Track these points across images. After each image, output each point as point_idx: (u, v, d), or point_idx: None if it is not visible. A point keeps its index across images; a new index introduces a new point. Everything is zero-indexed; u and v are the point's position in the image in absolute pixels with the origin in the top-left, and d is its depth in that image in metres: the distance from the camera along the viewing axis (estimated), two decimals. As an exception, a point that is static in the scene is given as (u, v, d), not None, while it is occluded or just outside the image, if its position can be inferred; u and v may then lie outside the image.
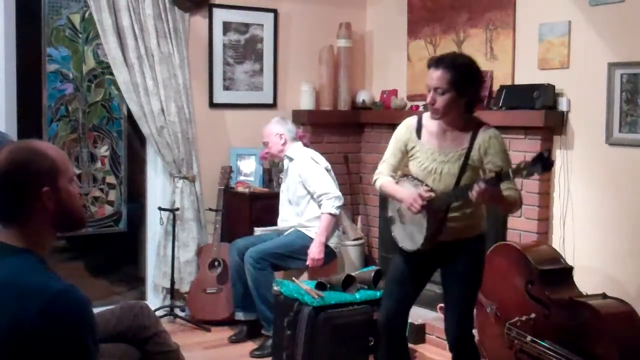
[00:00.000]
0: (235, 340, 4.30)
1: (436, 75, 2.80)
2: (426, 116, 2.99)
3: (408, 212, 2.91)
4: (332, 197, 4.17)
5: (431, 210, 2.82)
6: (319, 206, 4.21)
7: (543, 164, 2.46)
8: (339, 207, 4.20)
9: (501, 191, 2.68)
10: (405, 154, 3.02)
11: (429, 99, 2.83)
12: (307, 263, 4.15)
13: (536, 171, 2.50)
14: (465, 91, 2.81)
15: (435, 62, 2.84)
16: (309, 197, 4.26)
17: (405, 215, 2.98)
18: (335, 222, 4.30)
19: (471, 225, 2.95)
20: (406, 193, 2.88)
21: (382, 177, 3.07)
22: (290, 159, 4.36)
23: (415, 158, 2.97)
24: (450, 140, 2.90)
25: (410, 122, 3.03)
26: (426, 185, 2.86)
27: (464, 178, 2.84)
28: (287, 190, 4.38)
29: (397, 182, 3.02)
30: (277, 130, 4.38)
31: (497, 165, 2.71)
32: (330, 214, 4.15)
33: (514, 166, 2.59)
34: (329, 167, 4.38)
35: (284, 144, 4.37)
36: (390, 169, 3.06)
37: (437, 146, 2.92)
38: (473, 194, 2.62)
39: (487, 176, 2.66)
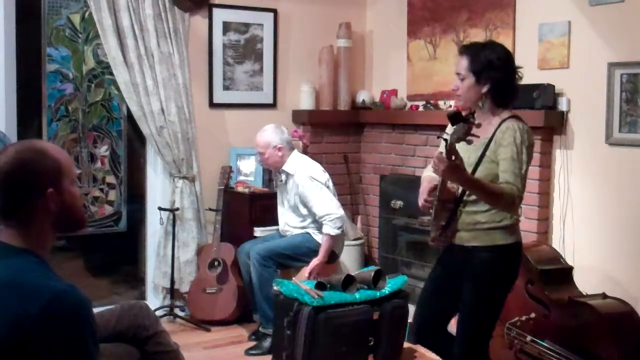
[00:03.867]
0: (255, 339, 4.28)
1: (458, 62, 2.84)
2: None
3: None
4: (333, 219, 4.13)
5: (439, 200, 2.76)
6: (321, 226, 4.19)
7: (462, 121, 2.43)
8: (340, 227, 4.18)
9: (465, 169, 2.57)
10: None
11: (453, 86, 2.88)
12: (306, 274, 4.15)
13: (461, 126, 2.43)
14: (484, 79, 2.76)
15: (461, 49, 2.88)
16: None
17: None
18: (342, 235, 4.31)
19: (484, 227, 2.79)
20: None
21: None
22: (288, 175, 4.30)
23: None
24: (480, 131, 2.71)
25: None
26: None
27: (480, 169, 2.75)
28: (288, 202, 4.35)
29: None
30: (274, 142, 4.28)
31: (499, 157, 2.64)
32: (332, 235, 4.15)
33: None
34: (329, 181, 4.32)
35: (282, 155, 4.30)
36: None
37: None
38: (434, 160, 2.58)
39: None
